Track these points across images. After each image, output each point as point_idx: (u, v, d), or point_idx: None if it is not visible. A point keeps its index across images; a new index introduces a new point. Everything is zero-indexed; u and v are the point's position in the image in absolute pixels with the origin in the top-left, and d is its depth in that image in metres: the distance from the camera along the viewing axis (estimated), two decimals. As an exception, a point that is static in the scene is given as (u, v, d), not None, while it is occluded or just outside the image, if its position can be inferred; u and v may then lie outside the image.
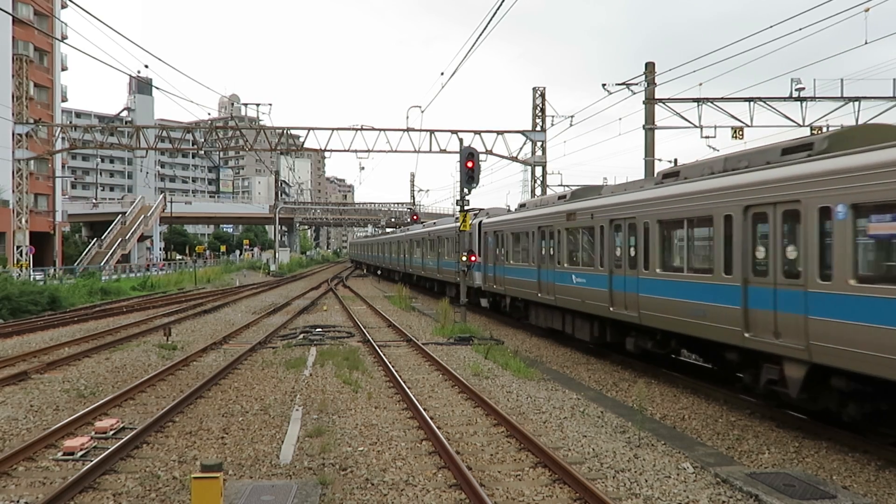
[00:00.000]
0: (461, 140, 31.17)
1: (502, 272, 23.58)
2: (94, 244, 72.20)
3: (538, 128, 37.76)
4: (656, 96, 28.17)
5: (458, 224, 25.33)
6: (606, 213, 15.85)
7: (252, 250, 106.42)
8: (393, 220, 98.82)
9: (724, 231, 11.44)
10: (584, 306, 16.95)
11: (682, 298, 12.61)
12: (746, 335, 10.66)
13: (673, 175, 14.12)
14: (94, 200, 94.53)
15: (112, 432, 9.97)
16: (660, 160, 27.67)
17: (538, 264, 19.84)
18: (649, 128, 27.78)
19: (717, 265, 11.57)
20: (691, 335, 12.59)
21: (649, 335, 14.42)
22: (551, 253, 18.97)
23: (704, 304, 11.86)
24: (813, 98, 28.73)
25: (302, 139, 39.09)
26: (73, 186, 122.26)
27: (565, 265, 18.04)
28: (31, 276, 40.21)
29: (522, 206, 24.30)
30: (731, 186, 11.38)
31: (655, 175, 16.41)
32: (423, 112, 46.76)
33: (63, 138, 45.68)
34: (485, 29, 17.04)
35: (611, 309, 15.41)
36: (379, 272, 67.21)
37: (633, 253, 14.60)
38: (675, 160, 44.42)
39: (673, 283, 12.96)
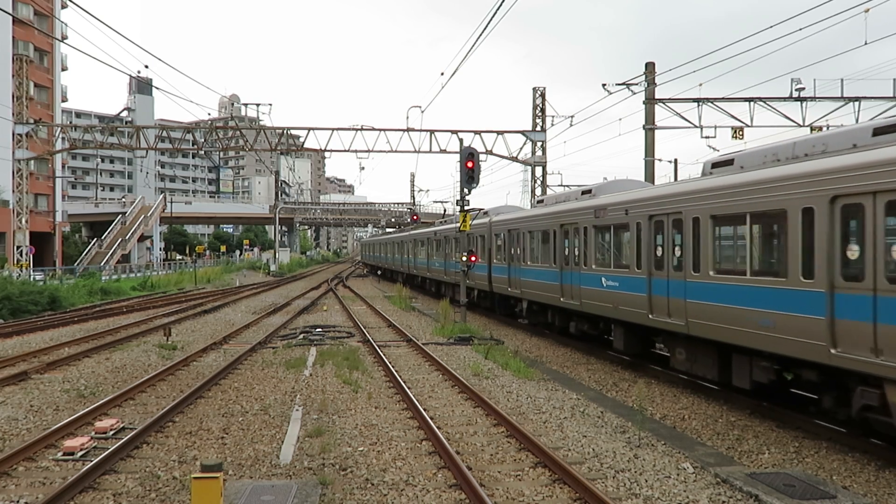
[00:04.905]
0: (461, 140, 31.06)
1: None
2: (94, 244, 72.13)
3: (538, 128, 37.76)
4: (657, 96, 28.16)
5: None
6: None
7: (252, 250, 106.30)
8: (393, 220, 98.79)
9: (552, 238, 18.82)
10: None
11: (540, 280, 19.91)
12: (561, 299, 18.18)
13: (540, 202, 22.52)
14: (95, 201, 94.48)
15: (112, 432, 9.97)
16: (660, 160, 27.69)
17: None
18: (649, 128, 27.77)
19: (549, 259, 19.00)
20: (544, 302, 20.18)
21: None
22: None
23: (540, 281, 19.73)
24: (813, 98, 28.71)
25: (302, 139, 39.07)
26: (73, 186, 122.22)
27: None
28: (31, 276, 40.18)
29: None
30: (554, 213, 18.85)
31: (531, 201, 24.31)
32: (423, 112, 46.83)
33: (63, 138, 45.64)
34: (485, 28, 16.93)
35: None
36: (379, 273, 65.47)
37: (515, 252, 22.45)
38: (675, 160, 44.43)
39: (534, 270, 20.39)
